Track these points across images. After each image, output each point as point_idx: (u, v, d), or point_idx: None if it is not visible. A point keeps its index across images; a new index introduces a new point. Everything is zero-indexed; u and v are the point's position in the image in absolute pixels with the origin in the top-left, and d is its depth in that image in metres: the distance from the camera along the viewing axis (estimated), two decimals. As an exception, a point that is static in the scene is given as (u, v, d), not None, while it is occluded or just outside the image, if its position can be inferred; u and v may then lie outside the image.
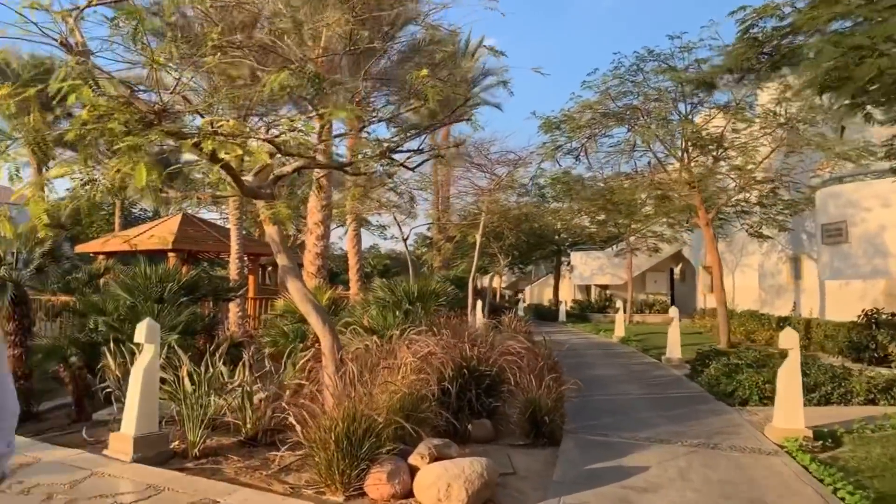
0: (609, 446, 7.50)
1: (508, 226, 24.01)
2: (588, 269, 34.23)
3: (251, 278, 22.31)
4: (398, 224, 21.83)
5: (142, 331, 6.71)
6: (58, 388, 12.47)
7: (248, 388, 7.13)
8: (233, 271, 19.48)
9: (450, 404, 7.22)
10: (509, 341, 8.82)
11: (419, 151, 8.00)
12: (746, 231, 20.45)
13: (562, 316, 30.35)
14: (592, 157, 18.14)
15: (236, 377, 7.65)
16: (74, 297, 12.29)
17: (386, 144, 7.91)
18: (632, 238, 29.56)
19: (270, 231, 7.51)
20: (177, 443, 7.15)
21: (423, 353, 7.29)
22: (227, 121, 4.95)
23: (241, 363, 7.79)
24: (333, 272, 41.67)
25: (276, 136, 6.08)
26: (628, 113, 16.96)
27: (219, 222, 31.41)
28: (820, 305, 19.29)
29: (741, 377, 10.14)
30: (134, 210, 37.60)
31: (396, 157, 8.22)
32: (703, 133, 16.78)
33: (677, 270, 35.59)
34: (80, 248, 22.26)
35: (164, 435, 6.78)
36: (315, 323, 7.11)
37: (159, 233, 20.90)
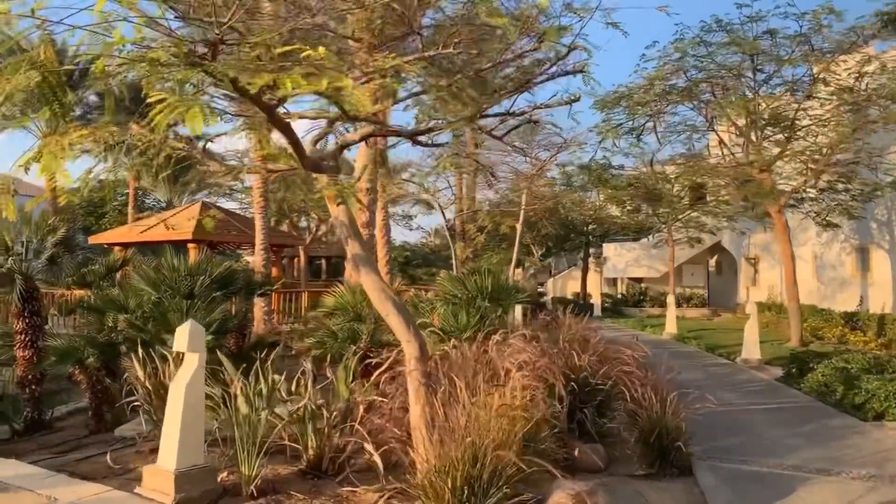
0: (760, 479, 6.04)
1: (545, 214, 22.52)
2: (622, 261, 32.66)
3: (275, 271, 20.94)
4: (441, 209, 20.29)
5: (184, 336, 5.28)
6: (70, 387, 11.13)
7: (314, 406, 5.69)
8: (258, 263, 18.05)
9: (559, 427, 5.78)
10: (611, 347, 7.36)
11: (510, 114, 6.52)
12: (813, 220, 18.86)
13: (596, 310, 28.86)
14: (642, 141, 16.62)
15: (279, 386, 6.22)
16: (91, 292, 10.95)
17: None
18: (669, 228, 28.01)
19: (337, 212, 6.06)
20: (224, 474, 5.74)
21: (526, 363, 5.82)
22: (315, 49, 3.49)
23: (301, 372, 6.35)
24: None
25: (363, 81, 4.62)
26: (697, 88, 15.38)
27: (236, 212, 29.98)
28: (895, 300, 17.72)
29: (870, 386, 8.63)
30: (147, 200, 36.25)
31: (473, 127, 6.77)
32: (780, 111, 15.21)
33: (712, 262, 33.98)
34: (94, 239, 20.90)
35: (211, 469, 5.35)
36: (397, 326, 5.66)
37: (178, 222, 19.52)
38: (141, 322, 9.17)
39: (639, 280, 32.67)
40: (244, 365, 7.03)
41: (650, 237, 31.32)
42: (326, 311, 9.18)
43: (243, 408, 5.39)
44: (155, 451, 6.83)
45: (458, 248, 22.63)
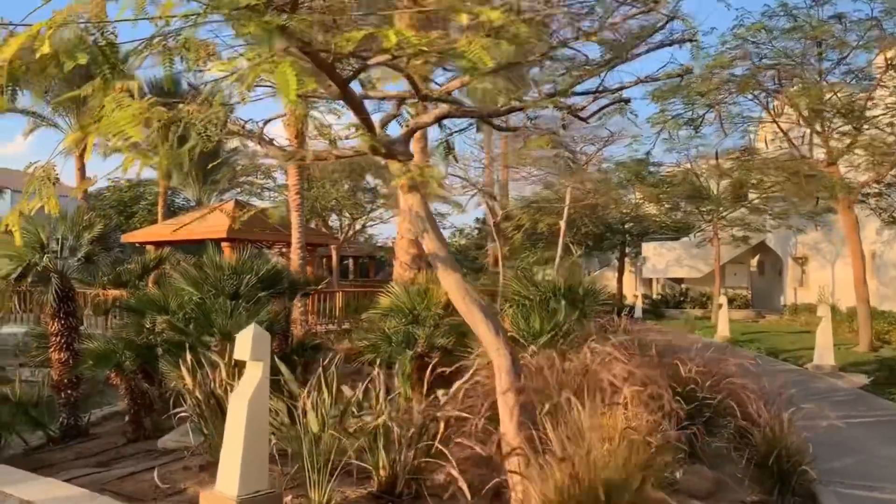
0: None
1: (586, 212, 21.67)
2: (662, 261, 31.61)
3: (309, 270, 20.36)
4: (488, 203, 19.47)
5: (246, 343, 4.61)
6: (103, 389, 10.59)
7: (389, 422, 4.99)
8: (294, 262, 17.45)
9: (680, 452, 5.01)
10: (705, 354, 6.56)
11: (600, 93, 5.77)
12: (879, 216, 17.79)
13: (637, 312, 27.90)
14: (700, 133, 15.71)
15: (351, 400, 5.53)
16: (127, 292, 10.41)
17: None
18: (708, 227, 26.98)
19: (411, 202, 5.36)
20: (289, 499, 5.07)
21: (633, 375, 5.07)
22: None
23: (367, 380, 5.66)
24: (380, 261, 39.65)
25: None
26: (759, 77, 14.46)
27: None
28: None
29: None
30: (176, 200, 36.00)
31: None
32: (851, 100, 14.23)
33: (753, 262, 32.80)
34: (126, 238, 20.50)
35: (276, 496, 4.67)
36: (485, 334, 4.93)
37: (212, 221, 19.02)
38: (182, 324, 8.57)
39: (679, 280, 31.60)
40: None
41: (691, 236, 30.29)
42: (381, 312, 8.48)
43: (314, 425, 4.70)
44: (205, 467, 6.20)
45: (493, 247, 21.85)
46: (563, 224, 17.40)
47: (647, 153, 20.73)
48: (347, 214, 29.63)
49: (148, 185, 34.83)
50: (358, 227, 30.92)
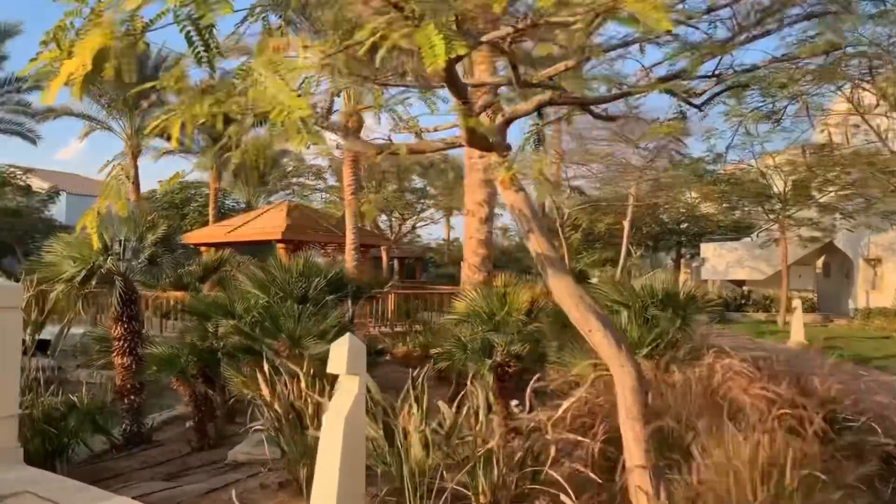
0: None
1: (648, 211, 20.85)
2: (722, 262, 30.42)
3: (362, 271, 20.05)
4: (555, 200, 18.78)
5: (341, 355, 4.13)
6: (160, 390, 10.33)
7: (498, 448, 4.45)
8: (349, 264, 17.13)
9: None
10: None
11: (726, 75, 5.14)
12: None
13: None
14: (780, 126, 14.72)
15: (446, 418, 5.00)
16: (188, 294, 10.15)
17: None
18: (772, 226, 25.80)
19: (513, 200, 4.82)
20: (383, 526, 4.58)
21: (777, 395, 4.43)
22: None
23: (462, 394, 5.13)
24: (428, 262, 39.22)
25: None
26: (845, 65, 13.48)
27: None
28: None
29: None
30: (226, 202, 36.23)
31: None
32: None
33: (818, 264, 31.35)
34: (184, 239, 20.51)
35: (375, 524, 4.19)
36: (604, 346, 4.36)
37: (267, 222, 18.85)
38: (249, 328, 8.20)
39: (740, 283, 30.37)
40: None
41: (753, 236, 29.08)
42: (458, 317, 7.97)
43: (417, 448, 4.18)
44: (284, 485, 5.76)
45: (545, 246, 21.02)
46: (626, 224, 16.66)
47: (728, 147, 19.67)
48: (398, 215, 29.31)
49: (199, 187, 35.12)
50: (408, 227, 30.56)
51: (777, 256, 26.06)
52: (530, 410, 4.88)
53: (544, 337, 8.17)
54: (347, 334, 4.28)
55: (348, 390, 4.18)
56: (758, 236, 28.16)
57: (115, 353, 9.38)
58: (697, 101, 5.68)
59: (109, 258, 8.82)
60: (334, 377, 4.25)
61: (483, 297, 7.95)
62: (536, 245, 4.76)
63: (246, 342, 8.06)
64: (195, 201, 32.88)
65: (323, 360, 7.41)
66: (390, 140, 5.08)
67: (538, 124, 6.01)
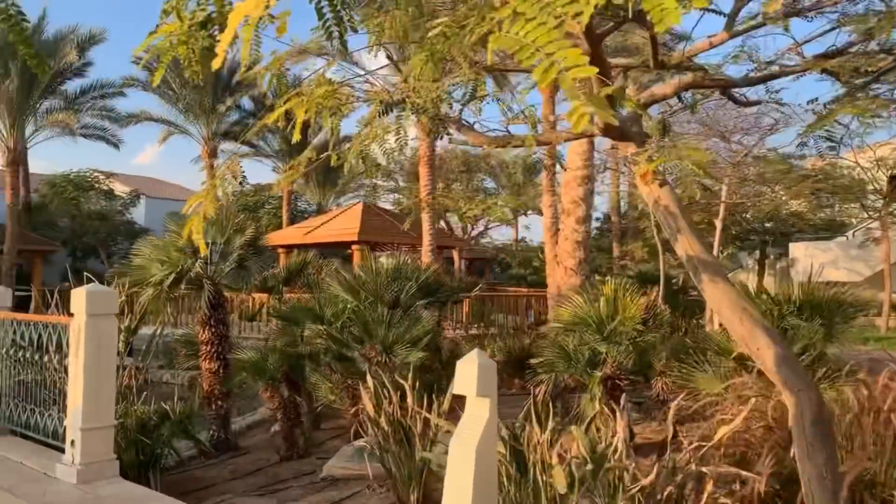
0: None
1: (739, 210, 19.66)
2: (815, 263, 28.63)
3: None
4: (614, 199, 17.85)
5: (470, 374, 3.63)
6: (240, 392, 10.13)
7: (649, 480, 3.85)
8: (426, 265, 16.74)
9: None
10: None
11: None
12: None
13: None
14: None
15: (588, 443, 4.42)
16: (272, 297, 9.94)
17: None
18: (872, 224, 24.02)
19: (657, 195, 4.22)
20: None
21: None
22: None
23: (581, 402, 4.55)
24: (500, 263, 38.58)
25: None
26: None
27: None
28: None
29: None
30: (298, 203, 36.56)
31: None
32: None
33: (919, 264, 29.10)
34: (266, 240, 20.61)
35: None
36: (771, 364, 3.70)
37: (342, 224, 18.68)
38: (339, 334, 7.84)
39: (835, 284, 28.51)
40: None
41: (848, 235, 27.23)
42: (563, 325, 7.38)
43: (560, 483, 3.63)
44: (391, 509, 5.37)
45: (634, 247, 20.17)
46: (718, 223, 15.66)
47: (842, 138, 18.36)
48: (471, 215, 28.79)
49: (271, 190, 35.53)
50: (479, 228, 30.06)
51: (877, 256, 24.28)
52: (674, 437, 4.25)
53: (653, 348, 7.52)
54: (476, 350, 3.80)
55: (478, 415, 3.68)
56: (854, 235, 26.35)
57: (202, 357, 9.21)
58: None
59: (198, 261, 8.63)
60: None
61: (591, 304, 7.34)
62: (687, 246, 4.14)
63: (336, 348, 7.71)
64: (269, 203, 33.30)
65: (415, 367, 7.00)
66: (508, 132, 4.57)
67: (671, 112, 5.40)
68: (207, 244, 9.32)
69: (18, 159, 22.21)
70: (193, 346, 9.78)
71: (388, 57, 4.83)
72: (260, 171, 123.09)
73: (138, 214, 37.29)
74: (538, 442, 3.91)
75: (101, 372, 5.48)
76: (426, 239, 16.69)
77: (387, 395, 5.49)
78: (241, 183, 3.84)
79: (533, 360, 7.79)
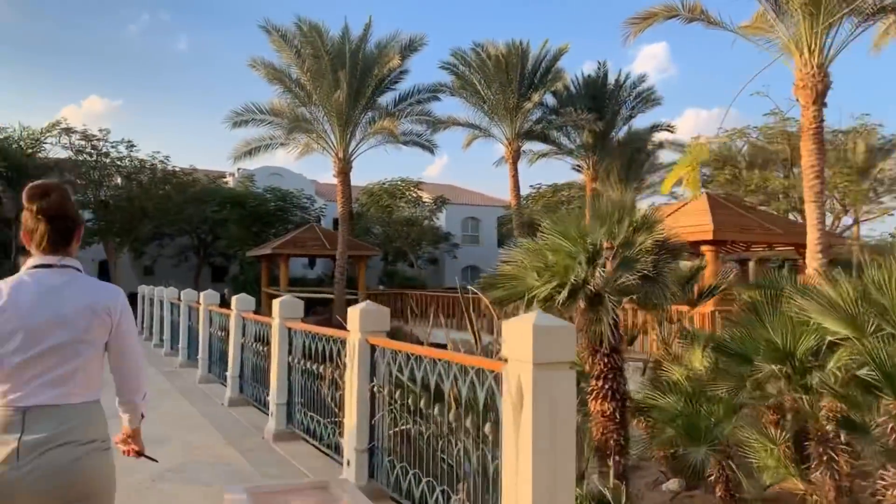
0: None
1: None
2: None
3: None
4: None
5: None
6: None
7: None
8: (810, 270, 12.96)
9: None
10: None
11: None
12: None
13: None
14: None
15: None
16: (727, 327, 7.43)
17: None
18: None
19: None
20: None
21: None
22: None
23: None
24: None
25: None
26: None
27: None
28: None
29: None
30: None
31: None
32: None
33: None
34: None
35: None
36: None
37: (689, 220, 15.62)
38: (846, 390, 4.97)
39: None
40: None
41: None
42: None
43: None
44: None
45: None
46: None
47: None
48: (839, 205, 23.31)
49: (573, 189, 33.82)
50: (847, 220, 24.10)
51: None
52: None
53: None
54: None
55: None
56: None
57: (592, 396, 6.99)
58: None
59: (596, 269, 6.42)
60: None
61: None
62: None
63: (841, 407, 4.88)
64: (574, 201, 31.55)
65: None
66: None
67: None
68: (592, 246, 7.13)
69: (346, 168, 23.03)
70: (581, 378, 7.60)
71: None
72: (560, 169, 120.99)
73: (440, 220, 38.27)
74: None
75: (556, 450, 3.39)
76: (813, 235, 12.92)
77: None
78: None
79: None
